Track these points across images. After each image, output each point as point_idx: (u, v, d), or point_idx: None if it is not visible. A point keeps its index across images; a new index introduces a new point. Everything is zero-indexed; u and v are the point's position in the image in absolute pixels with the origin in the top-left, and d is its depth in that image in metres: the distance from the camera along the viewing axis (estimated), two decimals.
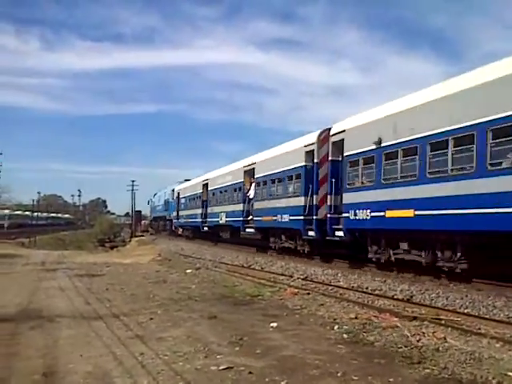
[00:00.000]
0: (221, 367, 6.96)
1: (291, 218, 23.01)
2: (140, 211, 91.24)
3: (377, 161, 16.49)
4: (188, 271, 21.01)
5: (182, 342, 8.57)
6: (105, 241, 75.77)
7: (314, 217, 20.93)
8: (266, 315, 11.08)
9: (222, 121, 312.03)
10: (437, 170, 13.89)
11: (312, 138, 22.11)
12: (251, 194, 29.72)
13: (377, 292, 13.54)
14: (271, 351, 7.88)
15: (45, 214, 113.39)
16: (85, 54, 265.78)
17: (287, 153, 24.78)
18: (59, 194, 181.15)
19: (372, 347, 8.19)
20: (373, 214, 16.68)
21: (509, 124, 11.64)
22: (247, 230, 30.28)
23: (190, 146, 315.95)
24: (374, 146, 16.64)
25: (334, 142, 20.10)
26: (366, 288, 14.19)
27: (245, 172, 31.11)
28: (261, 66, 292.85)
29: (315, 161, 21.34)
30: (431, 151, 14.04)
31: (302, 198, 21.90)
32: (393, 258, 16.32)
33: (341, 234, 19.12)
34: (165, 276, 19.53)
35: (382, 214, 16.07)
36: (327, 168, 20.60)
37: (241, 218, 30.64)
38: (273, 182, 26.19)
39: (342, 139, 19.26)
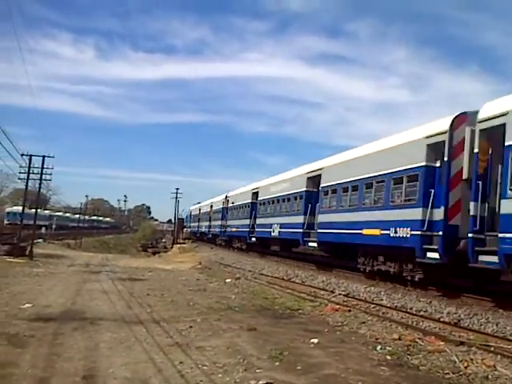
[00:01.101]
0: (260, 382, 6.82)
1: (402, 233, 16.87)
2: (183, 219, 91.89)
3: None
4: (227, 281, 20.99)
5: (222, 353, 8.48)
6: (147, 246, 76.74)
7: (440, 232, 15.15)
8: (307, 330, 10.89)
9: (266, 133, 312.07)
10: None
11: (442, 125, 15.94)
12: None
13: (421, 313, 13.12)
14: (312, 368, 7.70)
15: (86, 217, 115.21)
16: (137, 64, 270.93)
17: (383, 151, 19.30)
18: (106, 199, 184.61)
19: (417, 371, 7.90)
20: None
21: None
22: (309, 244, 26.69)
23: (234, 158, 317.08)
24: None
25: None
26: (410, 308, 13.78)
27: (308, 179, 27.34)
28: (307, 81, 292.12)
29: (445, 158, 15.34)
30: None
31: (420, 210, 16.00)
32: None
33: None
34: (205, 284, 19.55)
35: None
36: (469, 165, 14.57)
37: (300, 230, 27.10)
38: (354, 189, 20.92)
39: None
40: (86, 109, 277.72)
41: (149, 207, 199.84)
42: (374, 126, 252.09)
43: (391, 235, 17.51)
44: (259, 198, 37.22)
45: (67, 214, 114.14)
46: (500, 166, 13.30)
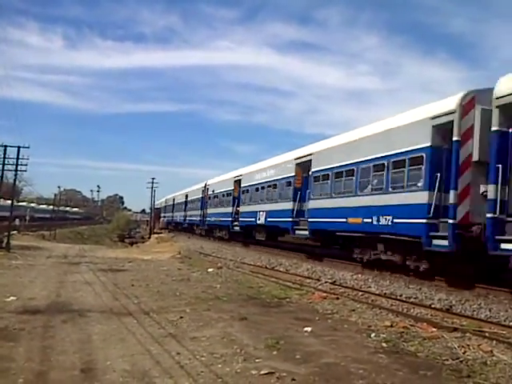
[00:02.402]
0: (262, 372, 6.73)
1: (404, 220, 16.09)
2: (159, 208, 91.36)
3: None
4: (210, 270, 20.87)
5: (217, 343, 8.38)
6: (124, 236, 76.24)
7: (450, 220, 14.33)
8: (298, 319, 10.85)
9: (238, 122, 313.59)
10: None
11: (450, 103, 15.12)
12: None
13: (412, 300, 13.17)
14: (311, 357, 7.63)
15: (55, 208, 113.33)
16: (106, 53, 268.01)
17: (389, 131, 17.90)
18: (78, 189, 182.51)
19: (415, 358, 7.89)
20: None
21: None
22: (298, 232, 25.67)
23: (207, 147, 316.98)
24: None
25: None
26: (400, 295, 13.81)
27: (297, 165, 26.32)
28: (278, 69, 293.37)
29: (454, 138, 14.48)
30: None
31: (426, 194, 15.21)
32: None
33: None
34: (187, 274, 19.39)
35: None
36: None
37: (290, 219, 26.11)
38: (348, 174, 19.97)
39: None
40: (55, 98, 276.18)
41: (122, 197, 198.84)
42: (346, 113, 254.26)
43: (392, 222, 16.66)
44: (243, 185, 36.36)
45: (42, 206, 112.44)
46: None
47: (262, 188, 31.82)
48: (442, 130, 15.18)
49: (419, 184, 15.63)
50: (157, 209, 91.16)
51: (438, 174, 14.96)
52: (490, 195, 12.99)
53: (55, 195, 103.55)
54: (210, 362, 7.19)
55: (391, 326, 10.20)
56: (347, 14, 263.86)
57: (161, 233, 68.57)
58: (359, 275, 17.87)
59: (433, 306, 12.40)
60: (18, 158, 38.64)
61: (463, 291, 14.07)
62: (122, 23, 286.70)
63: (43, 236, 64.37)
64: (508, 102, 12.80)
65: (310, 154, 24.62)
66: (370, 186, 18.53)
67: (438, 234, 14.84)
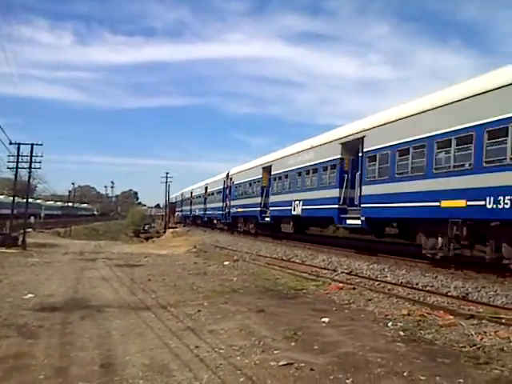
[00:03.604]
0: (280, 363, 6.77)
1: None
2: (174, 203, 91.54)
3: None
4: (226, 263, 20.94)
5: (235, 336, 8.43)
6: (140, 231, 76.55)
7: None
8: (315, 310, 10.88)
9: (250, 114, 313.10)
10: None
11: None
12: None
13: (428, 288, 13.15)
14: (329, 347, 7.65)
15: (59, 204, 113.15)
16: (116, 48, 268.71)
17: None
18: (92, 186, 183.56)
19: (432, 346, 7.89)
20: None
21: None
22: (349, 221, 22.03)
23: (220, 140, 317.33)
24: None
25: None
26: (416, 284, 13.80)
27: (342, 145, 23.04)
28: (289, 60, 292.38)
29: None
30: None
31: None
32: None
33: None
34: (204, 268, 19.48)
35: None
36: None
37: (336, 206, 22.69)
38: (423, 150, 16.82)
39: None
40: (67, 95, 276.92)
41: (136, 192, 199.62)
42: (358, 103, 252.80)
43: (489, 207, 13.63)
44: (273, 173, 32.95)
45: (49, 202, 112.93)
46: None
47: (299, 174, 28.04)
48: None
49: None
50: (171, 203, 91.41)
51: None
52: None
53: (69, 192, 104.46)
54: (229, 354, 7.25)
55: (408, 314, 10.22)
56: (357, 3, 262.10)
57: (176, 227, 68.84)
58: (375, 265, 17.84)
59: (449, 293, 12.38)
60: (31, 156, 38.93)
61: (479, 278, 14.03)
62: (131, 18, 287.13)
63: (58, 233, 65.04)
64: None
65: (362, 131, 21.03)
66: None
67: None
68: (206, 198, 57.43)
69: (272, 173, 33.28)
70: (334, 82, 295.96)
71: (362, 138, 20.82)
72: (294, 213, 28.21)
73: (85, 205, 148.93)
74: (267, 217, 33.61)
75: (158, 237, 60.61)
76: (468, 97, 14.95)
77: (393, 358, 7.09)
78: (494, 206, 13.34)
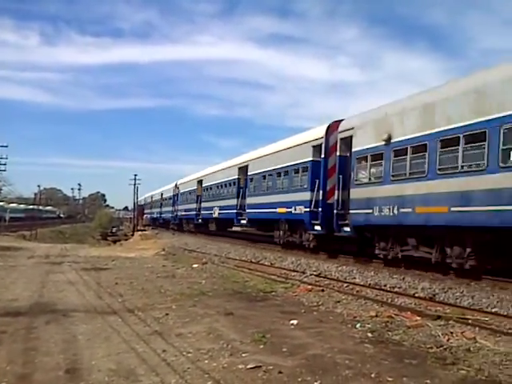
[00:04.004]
0: (249, 366, 6.72)
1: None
2: (142, 205, 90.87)
3: None
4: (194, 266, 20.82)
5: (203, 339, 8.35)
6: (107, 234, 75.71)
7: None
8: (284, 312, 10.86)
9: (219, 117, 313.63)
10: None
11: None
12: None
13: (396, 290, 13.31)
14: (298, 350, 7.64)
15: (22, 206, 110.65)
16: (84, 49, 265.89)
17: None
18: (59, 188, 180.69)
19: (400, 347, 7.95)
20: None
21: None
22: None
23: (190, 142, 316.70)
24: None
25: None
26: (384, 285, 13.95)
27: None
28: (259, 62, 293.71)
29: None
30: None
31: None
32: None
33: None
34: (172, 271, 19.32)
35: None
36: None
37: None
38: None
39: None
40: (34, 96, 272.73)
41: (104, 195, 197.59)
42: (327, 105, 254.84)
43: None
44: (249, 173, 32.21)
45: (21, 205, 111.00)
46: None
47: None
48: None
49: None
50: (140, 205, 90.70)
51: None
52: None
53: (35, 194, 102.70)
54: (197, 357, 7.17)
55: (376, 315, 10.29)
56: (326, 6, 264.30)
57: (145, 230, 68.28)
58: (344, 267, 17.94)
59: (416, 294, 12.53)
60: None
61: (446, 280, 14.24)
62: (99, 19, 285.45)
63: (24, 236, 63.63)
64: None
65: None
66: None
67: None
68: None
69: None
70: (303, 85, 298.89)
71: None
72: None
73: (49, 207, 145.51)
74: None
75: (126, 240, 59.91)
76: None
77: (361, 359, 7.11)
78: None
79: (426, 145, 14.73)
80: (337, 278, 15.94)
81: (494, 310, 10.56)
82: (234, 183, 34.98)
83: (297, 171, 24.18)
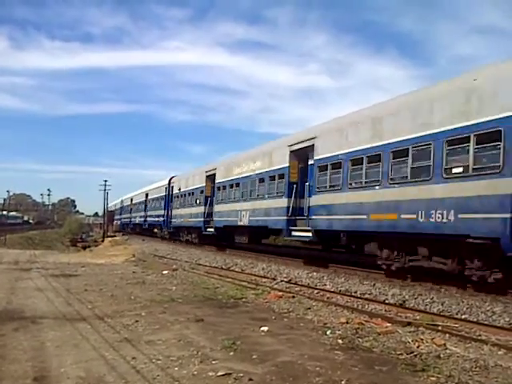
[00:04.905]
0: (219, 373, 6.70)
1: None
2: (113, 211, 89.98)
3: None
4: (165, 272, 20.68)
5: (173, 346, 8.29)
6: (77, 240, 74.62)
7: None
8: (254, 319, 10.85)
9: (190, 122, 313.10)
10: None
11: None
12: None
13: (366, 296, 13.39)
14: (268, 357, 7.64)
15: None
16: (53, 54, 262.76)
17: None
18: (28, 194, 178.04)
19: (370, 353, 8.00)
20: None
21: None
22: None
23: (161, 148, 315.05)
24: None
25: None
26: (355, 292, 14.03)
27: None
28: (229, 68, 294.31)
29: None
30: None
31: None
32: None
33: None
34: (142, 277, 19.16)
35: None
36: None
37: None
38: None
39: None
40: (2, 100, 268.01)
41: (74, 201, 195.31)
42: (298, 112, 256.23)
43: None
44: (217, 181, 32.39)
45: None
46: None
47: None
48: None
49: None
50: (110, 211, 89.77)
51: None
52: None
53: (4, 200, 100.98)
54: (167, 365, 7.11)
55: (347, 322, 10.35)
56: (296, 13, 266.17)
57: (115, 236, 67.55)
58: (314, 273, 17.98)
59: (387, 301, 12.63)
60: None
61: (416, 286, 14.41)
62: (69, 23, 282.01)
63: None
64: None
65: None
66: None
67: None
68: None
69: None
70: (274, 91, 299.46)
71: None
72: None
73: (13, 213, 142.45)
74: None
75: (96, 246, 59.11)
76: None
77: (331, 366, 7.15)
78: None
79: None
80: (307, 284, 15.98)
81: (463, 317, 10.67)
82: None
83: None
